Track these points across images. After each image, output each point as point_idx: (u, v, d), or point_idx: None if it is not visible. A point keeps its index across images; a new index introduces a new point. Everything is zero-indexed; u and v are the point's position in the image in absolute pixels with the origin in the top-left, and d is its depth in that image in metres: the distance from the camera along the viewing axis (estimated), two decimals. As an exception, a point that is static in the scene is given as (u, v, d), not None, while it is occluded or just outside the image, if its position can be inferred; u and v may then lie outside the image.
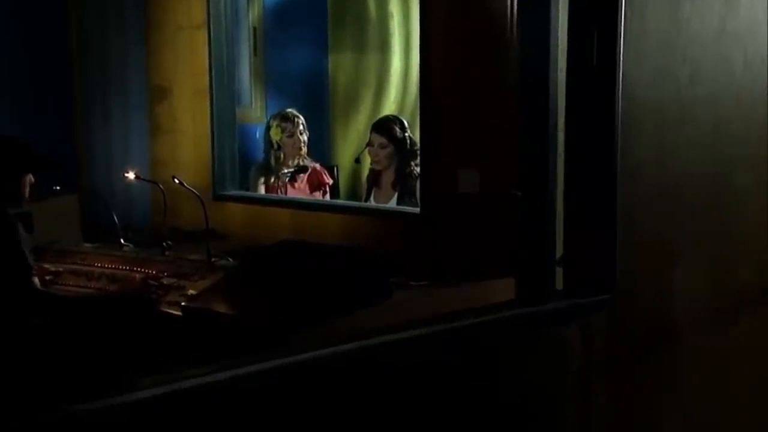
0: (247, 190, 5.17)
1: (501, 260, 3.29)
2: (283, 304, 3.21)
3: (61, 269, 3.96)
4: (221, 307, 3.40)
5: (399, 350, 2.45)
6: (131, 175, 4.31)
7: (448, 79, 3.78)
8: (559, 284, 2.91)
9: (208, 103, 4.82)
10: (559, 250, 2.91)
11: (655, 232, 3.02)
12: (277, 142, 5.12)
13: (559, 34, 2.81)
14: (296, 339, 2.92)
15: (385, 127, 4.77)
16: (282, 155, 5.13)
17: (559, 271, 2.91)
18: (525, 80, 2.90)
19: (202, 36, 4.80)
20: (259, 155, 5.41)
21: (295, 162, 5.13)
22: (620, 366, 3.01)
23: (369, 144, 4.83)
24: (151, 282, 3.62)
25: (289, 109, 5.20)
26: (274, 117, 5.20)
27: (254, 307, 3.31)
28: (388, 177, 4.77)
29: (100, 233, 4.41)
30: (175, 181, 4.13)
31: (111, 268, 3.94)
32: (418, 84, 4.06)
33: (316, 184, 5.21)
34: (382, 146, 4.74)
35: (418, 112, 4.21)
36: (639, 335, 3.05)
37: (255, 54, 5.89)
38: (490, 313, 2.71)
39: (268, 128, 5.20)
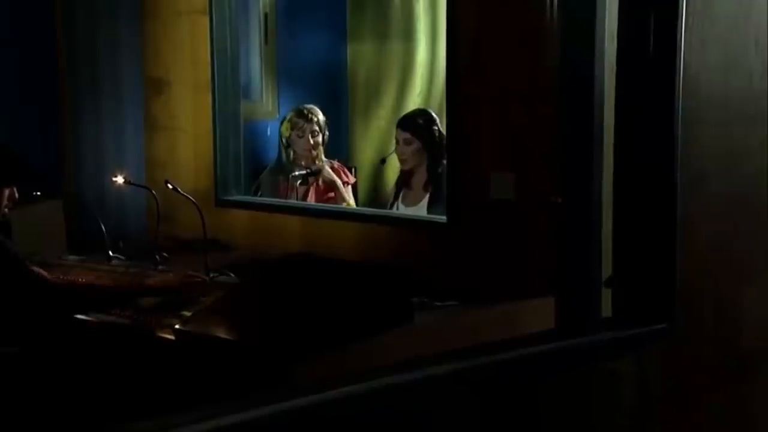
0: (258, 194, 5.12)
1: (539, 277, 3.30)
2: (289, 329, 3.11)
3: None
4: (219, 331, 3.26)
5: (419, 391, 2.31)
6: (120, 179, 4.21)
7: (478, 71, 3.71)
8: (607, 310, 2.79)
9: (210, 97, 4.75)
10: (607, 269, 2.79)
11: (722, 249, 2.90)
12: (286, 139, 5.07)
13: (607, 20, 2.73)
14: (303, 369, 2.85)
15: (408, 121, 4.78)
16: (292, 154, 5.06)
17: (606, 294, 2.79)
18: (567, 72, 2.81)
19: (204, 22, 4.72)
20: (271, 155, 5.38)
21: (308, 163, 5.05)
22: (680, 406, 2.89)
23: (395, 141, 4.84)
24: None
25: (309, 105, 5.14)
26: (290, 110, 5.17)
27: (257, 331, 3.19)
28: (419, 177, 4.75)
29: (88, 243, 4.34)
30: (168, 187, 4.04)
31: None
32: (445, 77, 3.98)
33: (334, 184, 5.12)
34: (407, 142, 4.73)
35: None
36: (703, 369, 2.92)
37: (266, 43, 5.81)
38: (524, 345, 2.53)
39: (281, 123, 5.18)
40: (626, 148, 2.74)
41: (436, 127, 4.71)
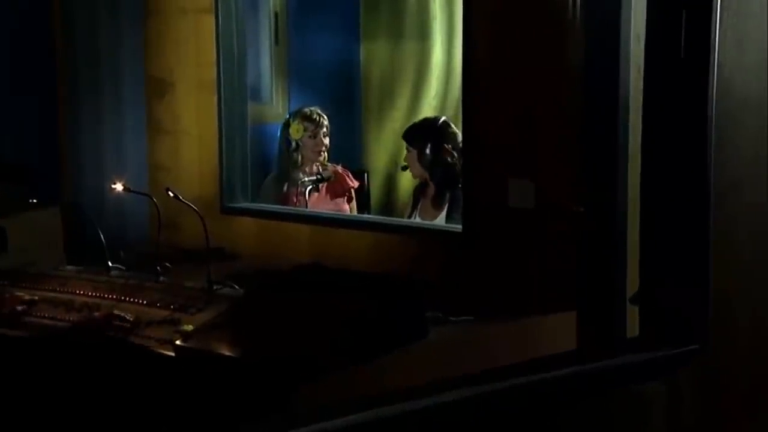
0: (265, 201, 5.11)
1: (559, 290, 3.27)
2: (295, 345, 3.10)
3: (36, 297, 3.77)
4: (222, 348, 3.24)
5: (433, 419, 2.23)
6: (119, 186, 4.09)
7: (496, 73, 3.70)
8: (634, 329, 2.69)
9: (215, 98, 4.75)
10: (633, 285, 2.70)
11: (761, 262, 2.78)
12: (296, 141, 5.03)
13: (633, 19, 2.67)
14: (309, 390, 2.80)
15: (408, 132, 4.87)
16: (299, 158, 5.03)
17: (633, 311, 2.69)
18: (591, 74, 2.77)
19: (209, 20, 4.73)
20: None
21: (314, 168, 5.04)
22: (714, 433, 2.77)
23: (406, 150, 4.90)
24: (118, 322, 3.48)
25: (313, 108, 5.13)
26: (294, 114, 5.14)
27: (261, 348, 3.17)
28: (433, 188, 4.77)
29: (89, 253, 4.22)
30: (169, 194, 3.94)
31: (94, 296, 3.75)
32: (461, 79, 3.97)
33: (339, 191, 5.12)
34: (410, 152, 4.82)
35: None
36: (738, 394, 2.80)
37: (276, 43, 5.83)
38: (544, 369, 2.45)
39: (286, 126, 5.13)
40: (655, 153, 2.65)
41: (448, 136, 4.72)
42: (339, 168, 5.12)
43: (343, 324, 3.12)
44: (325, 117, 5.09)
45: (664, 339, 2.62)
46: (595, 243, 2.77)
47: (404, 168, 5.28)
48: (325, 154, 5.08)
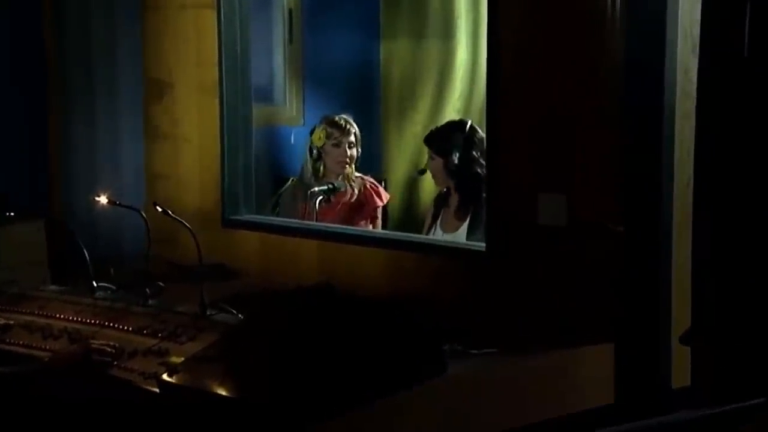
0: (275, 211, 5.09)
1: (595, 319, 3.22)
2: (300, 382, 2.97)
3: (11, 322, 3.69)
4: (214, 385, 3.08)
5: None
6: (103, 199, 3.99)
7: (524, 75, 3.60)
8: (683, 377, 2.54)
9: (217, 101, 4.65)
10: (681, 319, 2.62)
11: None
12: (318, 149, 4.99)
13: (681, 14, 2.70)
14: None
15: (432, 137, 4.82)
16: (321, 167, 4.99)
17: (682, 353, 2.56)
18: (632, 77, 2.83)
19: (211, 17, 4.62)
20: (295, 165, 5.38)
21: (334, 180, 4.99)
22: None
23: (428, 156, 4.87)
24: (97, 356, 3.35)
25: (343, 115, 5.12)
26: (322, 120, 5.12)
27: (260, 385, 3.05)
28: (456, 199, 4.77)
29: (75, 271, 4.13)
30: (157, 209, 3.81)
31: (75, 321, 3.63)
32: (486, 83, 3.90)
33: (364, 207, 5.08)
34: (433, 159, 4.78)
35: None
36: None
37: (290, 41, 5.77)
38: (577, 427, 2.20)
39: (312, 132, 5.11)
40: (711, 166, 2.55)
41: (475, 142, 4.69)
42: (367, 182, 5.10)
43: (353, 359, 3.01)
44: (354, 125, 5.06)
45: (721, 390, 2.46)
46: (635, 268, 2.80)
47: (422, 172, 5.33)
48: (352, 166, 5.03)
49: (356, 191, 4.99)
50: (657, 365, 2.56)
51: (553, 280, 3.49)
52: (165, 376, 3.13)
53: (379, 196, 5.10)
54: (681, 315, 2.63)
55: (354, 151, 5.02)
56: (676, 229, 2.96)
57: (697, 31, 3.00)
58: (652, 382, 2.54)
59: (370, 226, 5.04)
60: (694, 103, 3.01)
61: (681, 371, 2.52)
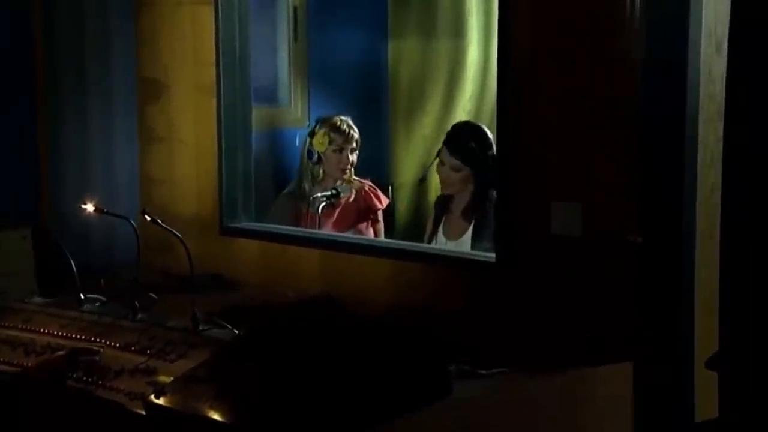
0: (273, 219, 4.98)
1: (613, 335, 3.18)
2: (294, 407, 2.91)
3: None
4: (203, 407, 2.99)
5: None
6: (90, 207, 3.91)
7: (537, 78, 3.55)
8: (709, 408, 2.39)
9: (215, 102, 4.60)
10: (707, 341, 2.50)
11: None
12: (319, 154, 4.92)
13: (705, 14, 2.66)
14: None
15: (460, 145, 4.68)
16: (321, 172, 4.93)
17: (708, 379, 2.41)
18: (652, 77, 2.79)
19: (208, 14, 4.56)
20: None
21: (337, 185, 4.93)
22: None
23: (439, 160, 4.76)
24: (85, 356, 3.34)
25: (344, 118, 5.04)
26: (321, 122, 5.03)
27: (253, 409, 2.96)
28: (460, 201, 4.71)
29: (64, 281, 4.04)
30: (146, 218, 3.76)
31: (60, 336, 3.59)
32: (497, 84, 3.84)
33: (363, 214, 5.01)
34: (456, 169, 4.66)
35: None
36: None
37: (295, 40, 5.69)
38: None
39: (310, 134, 5.03)
40: (740, 175, 2.42)
41: (492, 152, 4.60)
42: (366, 184, 5.04)
43: (353, 382, 2.96)
44: (356, 130, 5.01)
45: (755, 422, 2.30)
46: (655, 281, 2.76)
47: (422, 180, 5.41)
48: (351, 171, 4.98)
49: (353, 193, 4.94)
50: (679, 388, 2.44)
51: (567, 295, 3.43)
52: (152, 398, 3.06)
53: (378, 199, 5.05)
54: (705, 336, 2.53)
55: (354, 156, 5.00)
56: (699, 239, 2.89)
57: (721, 30, 2.95)
58: (673, 407, 2.41)
59: (370, 230, 5.01)
60: (718, 106, 2.94)
61: (707, 401, 2.39)
